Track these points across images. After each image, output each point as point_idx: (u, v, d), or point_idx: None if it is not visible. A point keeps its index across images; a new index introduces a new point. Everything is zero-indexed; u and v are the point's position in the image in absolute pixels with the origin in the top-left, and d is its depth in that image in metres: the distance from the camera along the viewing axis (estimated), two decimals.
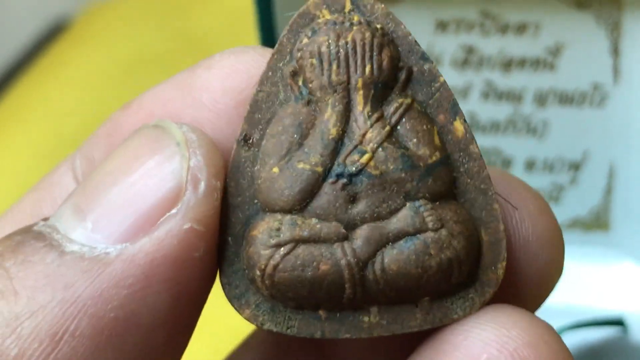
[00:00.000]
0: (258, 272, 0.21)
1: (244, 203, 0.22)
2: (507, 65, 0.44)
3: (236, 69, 0.23)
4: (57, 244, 0.20)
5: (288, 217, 0.21)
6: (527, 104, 0.44)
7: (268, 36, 0.42)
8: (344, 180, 0.21)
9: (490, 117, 0.45)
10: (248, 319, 0.22)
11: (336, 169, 0.21)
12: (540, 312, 0.45)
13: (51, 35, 0.88)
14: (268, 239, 0.21)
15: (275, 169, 0.21)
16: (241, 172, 0.22)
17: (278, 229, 0.21)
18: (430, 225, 0.21)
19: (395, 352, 0.24)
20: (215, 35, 0.82)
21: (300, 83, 0.22)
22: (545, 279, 0.24)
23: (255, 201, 0.22)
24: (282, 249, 0.21)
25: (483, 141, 0.46)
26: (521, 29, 0.43)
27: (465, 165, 0.22)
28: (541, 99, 0.44)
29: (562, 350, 0.21)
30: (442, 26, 0.43)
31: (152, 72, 0.79)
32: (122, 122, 0.24)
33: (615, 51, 0.42)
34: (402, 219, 0.21)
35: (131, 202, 0.20)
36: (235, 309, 0.22)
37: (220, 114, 0.23)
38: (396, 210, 0.21)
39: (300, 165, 0.21)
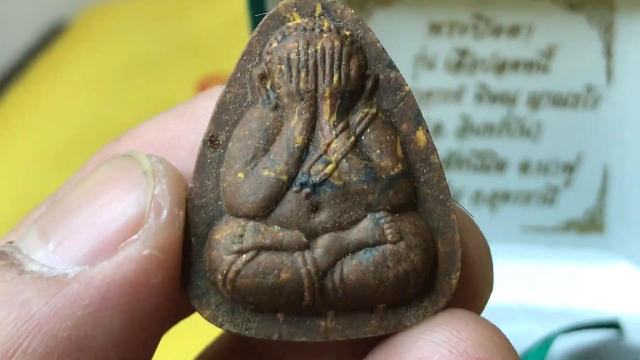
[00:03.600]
0: (219, 277, 0.21)
1: (208, 204, 0.22)
2: (501, 67, 0.44)
3: None
4: (18, 263, 0.20)
5: (251, 223, 0.21)
6: (520, 106, 0.44)
7: None
8: (308, 189, 0.21)
9: (484, 119, 0.45)
10: (208, 319, 0.22)
11: (300, 178, 0.21)
12: (537, 314, 0.45)
13: (50, 37, 0.88)
14: (231, 244, 0.21)
15: (241, 174, 0.22)
16: (206, 172, 0.22)
17: (241, 235, 0.21)
18: (389, 237, 0.21)
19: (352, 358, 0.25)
20: (214, 38, 0.82)
21: (268, 87, 0.22)
22: (486, 285, 0.25)
23: (220, 202, 0.22)
24: (244, 255, 0.21)
25: (477, 144, 0.46)
26: (514, 31, 0.43)
27: (426, 175, 0.22)
28: (535, 101, 0.44)
29: (510, 350, 0.21)
30: (435, 29, 0.43)
31: (150, 74, 0.79)
32: (116, 150, 0.24)
33: (609, 53, 0.42)
34: (362, 230, 0.21)
35: (94, 227, 0.21)
36: (196, 308, 0.22)
37: None
38: (357, 221, 0.21)
39: (266, 173, 0.21)
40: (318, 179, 0.21)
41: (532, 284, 0.46)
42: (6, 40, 0.85)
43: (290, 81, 0.21)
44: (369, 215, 0.21)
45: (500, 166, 0.46)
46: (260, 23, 0.22)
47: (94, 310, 0.20)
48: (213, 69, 0.76)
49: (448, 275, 0.22)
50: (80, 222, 0.21)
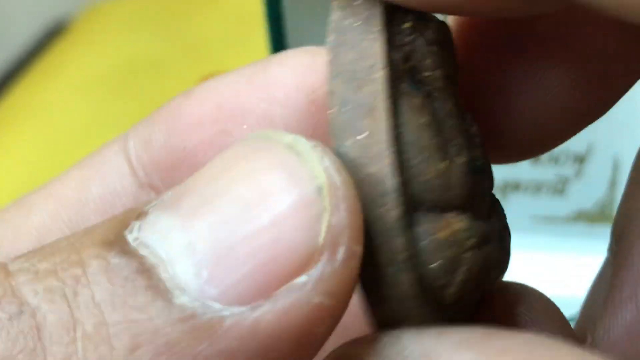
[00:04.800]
0: (460, 277, 0.18)
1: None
2: None
3: (311, 66, 0.21)
4: (164, 289, 0.16)
5: (467, 214, 0.18)
6: None
7: (277, 38, 0.42)
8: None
9: None
10: None
11: (474, 163, 0.19)
12: None
13: (50, 37, 0.88)
14: (465, 240, 0.18)
15: (443, 164, 0.18)
16: None
17: (468, 229, 0.18)
18: None
19: None
20: (216, 38, 0.82)
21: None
22: None
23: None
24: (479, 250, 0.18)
25: None
26: None
27: None
28: None
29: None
30: None
31: (152, 74, 0.79)
32: (184, 110, 0.22)
33: None
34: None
35: (255, 255, 0.16)
36: None
37: (293, 111, 0.21)
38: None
39: (460, 160, 0.18)
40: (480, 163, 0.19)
41: (542, 273, 0.46)
42: (7, 39, 0.85)
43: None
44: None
45: None
46: None
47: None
48: (214, 69, 0.76)
49: None
50: (240, 243, 0.16)
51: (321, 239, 0.16)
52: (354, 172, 0.17)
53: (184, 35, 0.85)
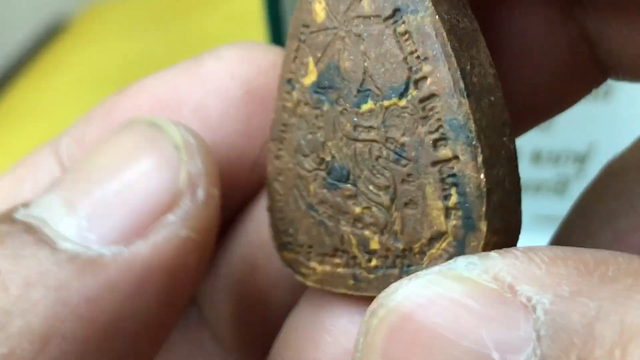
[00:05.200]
0: None
1: None
2: None
3: (245, 59, 0.23)
4: (49, 239, 0.19)
5: None
6: None
7: (277, 38, 0.43)
8: None
9: None
10: None
11: None
12: None
13: (50, 36, 0.88)
14: None
15: None
16: None
17: None
18: None
19: None
20: (216, 38, 0.82)
21: None
22: None
23: None
24: None
25: None
26: None
27: None
28: None
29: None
30: None
31: (150, 73, 0.79)
32: (120, 106, 0.23)
33: None
34: None
35: (127, 202, 0.19)
36: None
37: (228, 102, 0.23)
38: None
39: None
40: None
41: None
42: (6, 38, 0.84)
43: None
44: None
45: None
46: None
47: (132, 294, 0.19)
48: None
49: None
50: (112, 196, 0.19)
51: (181, 183, 0.19)
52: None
53: (184, 36, 0.84)
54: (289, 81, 0.21)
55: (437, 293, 0.16)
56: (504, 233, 0.18)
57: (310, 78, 0.20)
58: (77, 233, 0.19)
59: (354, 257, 0.20)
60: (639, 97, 0.43)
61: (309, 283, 0.21)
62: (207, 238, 0.20)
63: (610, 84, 0.43)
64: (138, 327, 0.19)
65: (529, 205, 0.47)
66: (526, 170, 0.46)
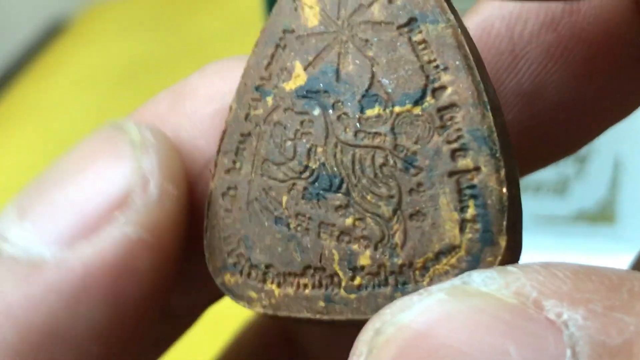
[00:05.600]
0: None
1: None
2: None
3: (223, 75, 0.22)
4: None
5: None
6: None
7: None
8: None
9: None
10: None
11: None
12: None
13: (50, 36, 0.88)
14: None
15: None
16: None
17: None
18: None
19: None
20: (216, 38, 0.82)
21: None
22: None
23: None
24: None
25: None
26: None
27: None
28: None
29: None
30: None
31: (151, 73, 0.79)
32: None
33: None
34: None
35: (74, 203, 0.18)
36: None
37: (198, 123, 0.22)
38: None
39: None
40: None
41: None
42: (7, 38, 0.84)
43: None
44: None
45: None
46: None
47: (72, 297, 0.18)
48: None
49: None
50: (59, 198, 0.19)
51: (134, 181, 0.18)
52: None
53: (184, 35, 0.84)
54: (258, 88, 0.20)
55: (455, 309, 0.15)
56: (513, 251, 0.17)
57: (295, 82, 0.19)
58: (21, 236, 0.18)
59: (332, 275, 0.18)
60: None
61: (257, 309, 0.19)
62: (163, 238, 0.19)
63: None
64: (82, 332, 0.18)
65: (529, 205, 0.47)
66: None
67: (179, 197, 0.19)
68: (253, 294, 0.19)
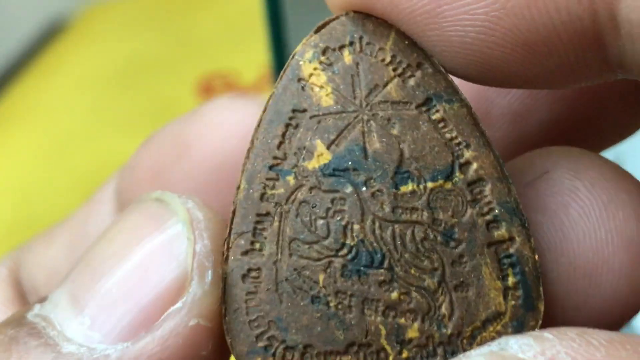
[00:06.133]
0: None
1: None
2: None
3: (227, 122, 0.22)
4: (53, 342, 0.18)
5: None
6: None
7: (277, 38, 0.42)
8: None
9: None
10: None
11: None
12: None
13: (50, 36, 0.88)
14: None
15: None
16: None
17: None
18: None
19: None
20: (216, 38, 0.82)
21: None
22: (625, 295, 0.20)
23: None
24: None
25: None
26: None
27: None
28: None
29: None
30: None
31: (150, 72, 0.79)
32: (128, 183, 0.23)
33: None
34: None
35: (131, 295, 0.18)
36: None
37: (213, 171, 0.22)
38: None
39: None
40: None
41: None
42: (7, 37, 0.84)
43: None
44: None
45: None
46: None
47: None
48: (213, 68, 0.76)
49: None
50: (115, 289, 0.18)
51: (189, 266, 0.18)
52: None
53: (184, 35, 0.84)
54: (272, 168, 0.20)
55: None
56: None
57: (319, 161, 0.20)
58: (81, 333, 0.18)
59: (379, 351, 0.19)
60: None
61: None
62: (219, 322, 0.19)
63: None
64: None
65: None
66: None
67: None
68: None
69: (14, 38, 0.86)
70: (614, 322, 0.20)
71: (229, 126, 0.22)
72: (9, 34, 0.85)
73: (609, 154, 0.45)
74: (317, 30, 0.20)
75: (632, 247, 0.20)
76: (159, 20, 0.88)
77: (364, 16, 0.20)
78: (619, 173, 0.20)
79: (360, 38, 0.20)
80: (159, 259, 0.18)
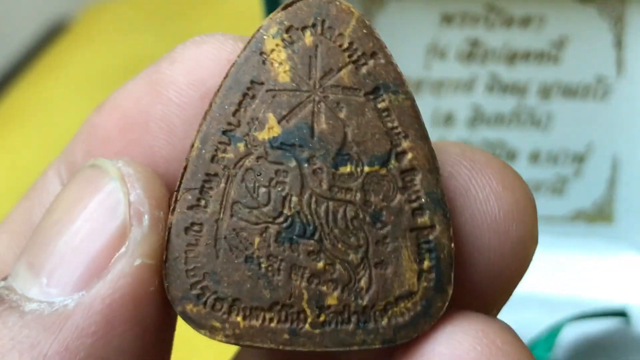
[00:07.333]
0: None
1: None
2: (512, 58, 0.44)
3: (199, 60, 0.23)
4: (16, 304, 0.20)
5: None
6: (531, 96, 0.45)
7: None
8: None
9: (495, 109, 0.45)
10: None
11: None
12: (545, 303, 0.45)
13: (51, 36, 0.88)
14: None
15: None
16: None
17: None
18: None
19: None
20: None
21: None
22: (518, 256, 0.23)
23: None
24: None
25: (488, 133, 0.46)
26: (526, 22, 0.43)
27: None
28: (545, 92, 0.45)
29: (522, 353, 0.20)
30: (447, 19, 0.44)
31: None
32: (98, 125, 0.24)
33: (619, 44, 0.43)
34: None
35: (80, 249, 0.20)
36: None
37: (187, 108, 0.23)
38: None
39: None
40: None
41: (541, 272, 0.46)
42: (8, 38, 0.85)
43: None
44: None
45: (511, 156, 0.46)
46: None
47: (103, 334, 0.20)
48: None
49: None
50: (65, 248, 0.20)
51: (127, 214, 0.20)
52: None
53: (184, 35, 0.84)
54: (225, 132, 0.21)
55: None
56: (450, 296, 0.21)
57: (269, 133, 0.21)
58: (41, 291, 0.20)
59: (299, 312, 0.21)
60: (637, 97, 0.44)
61: (219, 338, 0.21)
62: (161, 260, 0.21)
63: (609, 85, 0.44)
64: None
65: None
66: (524, 170, 0.46)
67: (165, 218, 0.21)
68: (216, 324, 0.21)
69: (15, 38, 0.86)
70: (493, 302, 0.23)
71: (207, 62, 0.23)
72: (9, 34, 0.85)
73: (607, 157, 0.45)
74: (285, 8, 0.21)
75: (494, 224, 0.22)
76: (159, 20, 0.88)
77: (329, 0, 0.21)
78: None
79: (323, 21, 0.21)
80: (100, 214, 0.20)
